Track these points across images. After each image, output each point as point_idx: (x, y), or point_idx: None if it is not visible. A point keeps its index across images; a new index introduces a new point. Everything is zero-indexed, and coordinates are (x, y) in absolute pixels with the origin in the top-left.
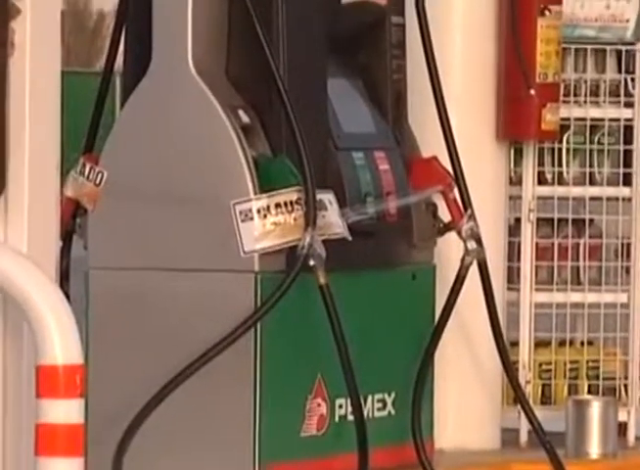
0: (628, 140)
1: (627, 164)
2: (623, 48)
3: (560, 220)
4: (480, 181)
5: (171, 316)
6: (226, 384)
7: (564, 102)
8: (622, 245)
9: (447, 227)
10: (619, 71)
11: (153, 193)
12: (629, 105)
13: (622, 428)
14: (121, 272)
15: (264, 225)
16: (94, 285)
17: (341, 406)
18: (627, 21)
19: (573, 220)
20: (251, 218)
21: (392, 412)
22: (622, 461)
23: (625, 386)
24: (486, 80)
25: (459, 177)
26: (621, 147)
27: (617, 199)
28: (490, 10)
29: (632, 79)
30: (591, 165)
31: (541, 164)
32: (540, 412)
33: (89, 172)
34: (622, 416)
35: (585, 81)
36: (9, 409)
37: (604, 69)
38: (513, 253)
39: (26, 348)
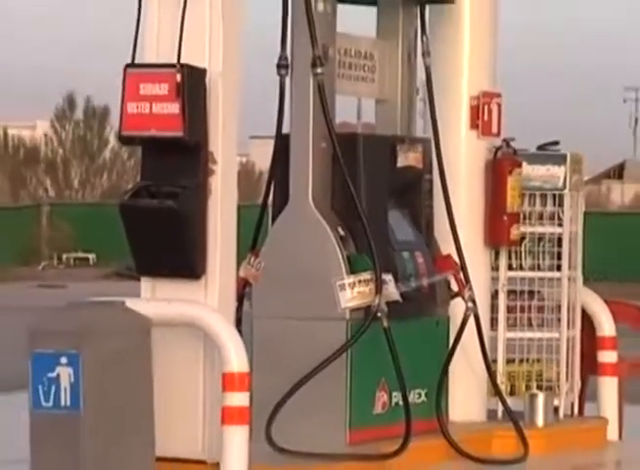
0: (560, 245)
1: (559, 258)
2: (557, 193)
3: (521, 291)
4: (475, 268)
5: (299, 343)
6: (332, 382)
7: (523, 223)
8: (556, 305)
9: (456, 294)
10: (554, 206)
11: (291, 276)
12: (560, 225)
13: (556, 409)
14: (272, 320)
15: (352, 293)
16: (256, 327)
17: (395, 396)
18: (559, 177)
19: (528, 291)
20: (345, 289)
21: (425, 400)
22: (556, 427)
23: (558, 386)
24: (479, 211)
25: (463, 266)
26: (556, 249)
27: (553, 279)
28: (480, 171)
29: (562, 211)
30: (538, 259)
31: (510, 258)
32: (509, 400)
33: (253, 262)
34: (556, 402)
35: (535, 211)
36: (208, 398)
37: (546, 204)
38: (494, 309)
39: (217, 363)
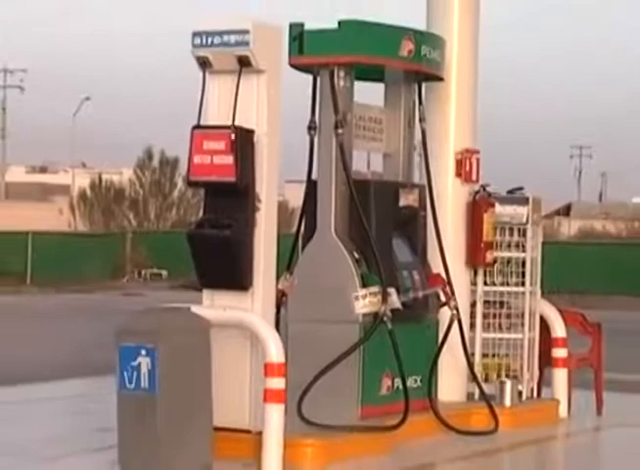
0: (523, 267)
1: (523, 277)
2: (521, 226)
3: (493, 301)
4: (459, 283)
5: (323, 340)
6: (348, 371)
7: (495, 249)
8: (520, 313)
9: (444, 304)
10: (519, 236)
11: (317, 289)
12: (524, 251)
13: (520, 393)
14: (302, 323)
15: (364, 302)
16: (291, 328)
17: (397, 382)
18: (523, 215)
19: (499, 302)
20: (358, 299)
21: (420, 385)
22: (520, 407)
23: (521, 375)
24: (461, 239)
25: (449, 282)
26: (520, 270)
27: (518, 292)
28: (463, 209)
29: (525, 240)
30: (507, 277)
31: (485, 276)
32: (484, 386)
33: (289, 278)
34: (520, 387)
35: (505, 240)
36: (253, 382)
37: (513, 235)
38: (473, 315)
39: (260, 355)
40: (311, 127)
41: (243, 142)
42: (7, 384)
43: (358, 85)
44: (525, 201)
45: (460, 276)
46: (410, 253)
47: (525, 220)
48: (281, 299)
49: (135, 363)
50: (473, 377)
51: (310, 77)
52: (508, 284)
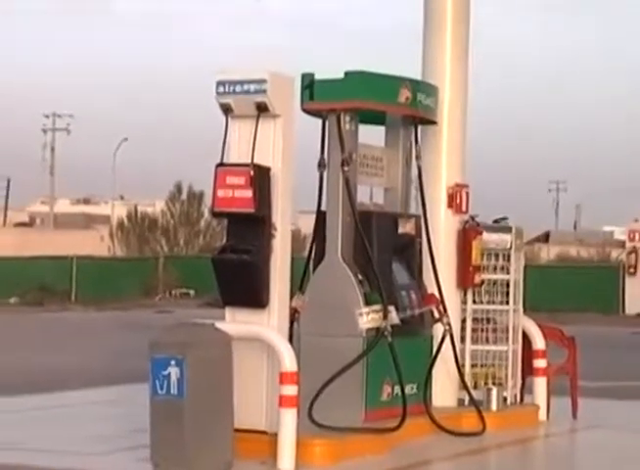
0: (507, 287)
1: (507, 296)
2: (505, 252)
3: (481, 318)
4: (450, 302)
5: (331, 352)
6: (353, 379)
7: (483, 272)
8: (505, 328)
9: (437, 320)
10: (504, 260)
11: (326, 307)
12: (508, 273)
13: (504, 399)
14: (313, 336)
15: (367, 319)
16: (303, 341)
17: (396, 389)
18: (507, 241)
19: (486, 318)
20: (362, 316)
21: (416, 391)
22: (504, 411)
23: (506, 382)
24: (453, 263)
25: (443, 300)
26: (505, 290)
27: (503, 310)
28: (454, 237)
29: (509, 264)
30: (493, 297)
31: (474, 296)
32: (473, 392)
33: (301, 296)
34: (505, 394)
35: (491, 264)
36: (269, 389)
37: (498, 259)
38: (463, 330)
39: (276, 365)
40: (321, 165)
41: (260, 178)
42: (53, 389)
43: (362, 128)
44: (508, 229)
45: (452, 296)
46: (407, 275)
47: (508, 246)
48: (294, 315)
49: (166, 372)
50: (463, 384)
51: (320, 121)
52: (494, 302)
